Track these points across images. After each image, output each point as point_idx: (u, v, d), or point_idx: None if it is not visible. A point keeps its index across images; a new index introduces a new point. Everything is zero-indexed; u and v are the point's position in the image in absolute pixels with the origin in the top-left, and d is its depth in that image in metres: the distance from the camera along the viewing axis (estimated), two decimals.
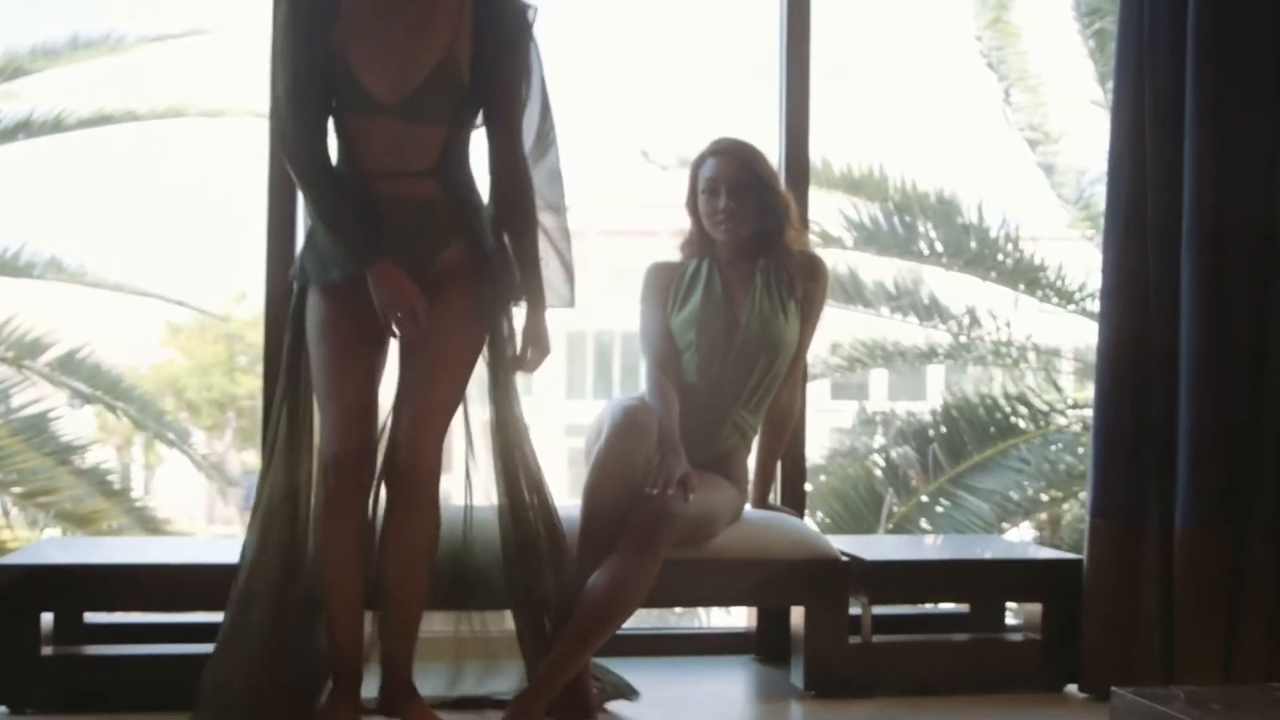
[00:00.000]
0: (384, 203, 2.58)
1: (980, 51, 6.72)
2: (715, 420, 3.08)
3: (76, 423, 6.76)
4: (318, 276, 2.62)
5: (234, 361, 17.94)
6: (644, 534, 2.70)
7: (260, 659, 2.59)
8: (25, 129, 6.23)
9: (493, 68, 2.61)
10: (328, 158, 2.61)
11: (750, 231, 3.12)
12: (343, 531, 2.58)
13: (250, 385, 16.14)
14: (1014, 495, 6.14)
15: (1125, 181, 3.15)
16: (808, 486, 3.63)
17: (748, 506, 3.21)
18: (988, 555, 3.48)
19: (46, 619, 2.88)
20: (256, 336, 3.23)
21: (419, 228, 2.60)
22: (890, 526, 6.05)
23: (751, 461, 3.23)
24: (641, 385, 3.09)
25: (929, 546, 3.86)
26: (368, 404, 2.63)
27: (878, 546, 3.53)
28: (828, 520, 6.03)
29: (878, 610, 3.19)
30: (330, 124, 2.62)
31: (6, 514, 5.58)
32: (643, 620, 2.81)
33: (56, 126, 6.36)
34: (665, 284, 3.18)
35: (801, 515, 3.44)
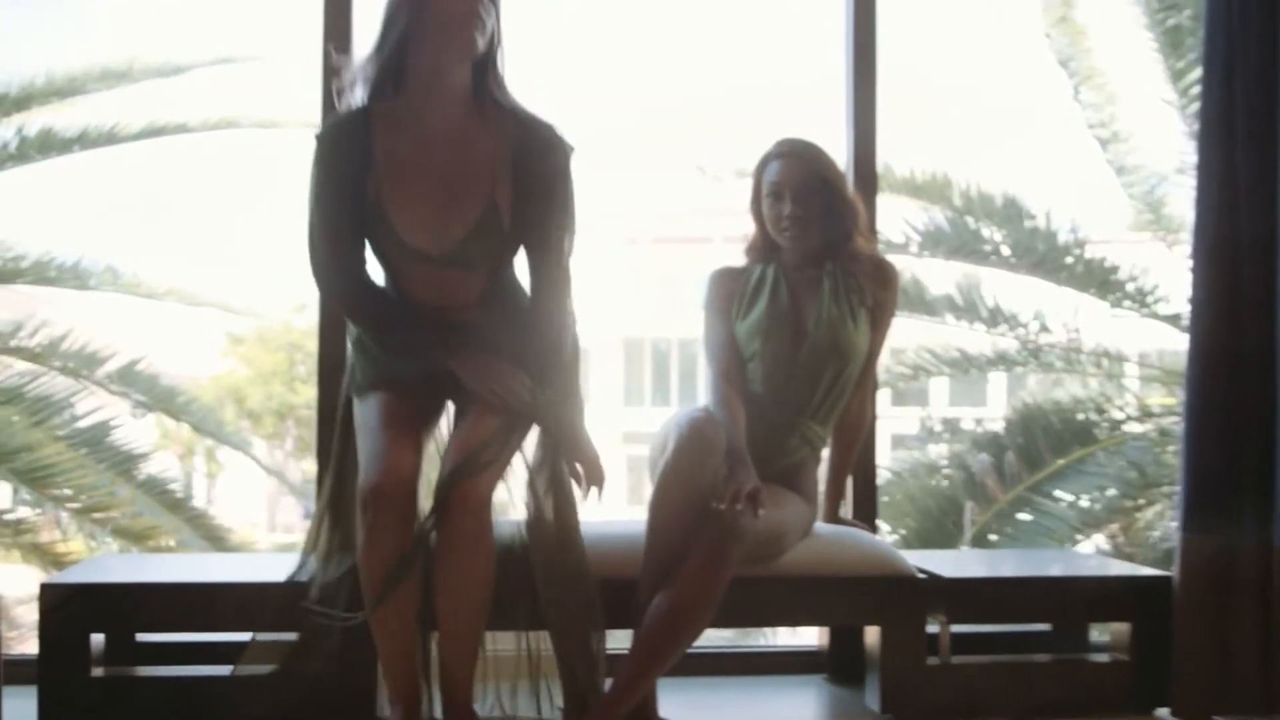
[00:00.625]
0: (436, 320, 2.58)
1: (1050, 49, 6.56)
2: (782, 432, 2.96)
3: (137, 432, 6.75)
4: (384, 378, 2.57)
5: (294, 371, 18.08)
6: (711, 551, 2.59)
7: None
8: (81, 141, 6.23)
9: (534, 213, 2.56)
10: (370, 284, 2.59)
11: (817, 238, 3.00)
12: (385, 563, 2.44)
13: (309, 395, 16.25)
14: (1088, 504, 5.97)
15: (1215, 188, 3.00)
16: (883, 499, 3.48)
17: (818, 521, 3.09)
18: (1073, 573, 3.30)
19: (98, 639, 2.81)
20: (315, 346, 3.15)
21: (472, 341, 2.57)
22: (971, 536, 5.88)
23: (821, 475, 3.10)
24: (705, 395, 2.97)
25: (1009, 562, 3.71)
26: (414, 438, 2.53)
27: (955, 562, 3.38)
28: (902, 531, 5.87)
29: (955, 629, 3.05)
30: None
31: (63, 529, 5.56)
32: (709, 639, 2.69)
33: (111, 139, 6.37)
34: (729, 291, 3.07)
35: (874, 530, 3.31)
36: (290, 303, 17.15)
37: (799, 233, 2.98)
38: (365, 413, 2.58)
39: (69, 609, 2.69)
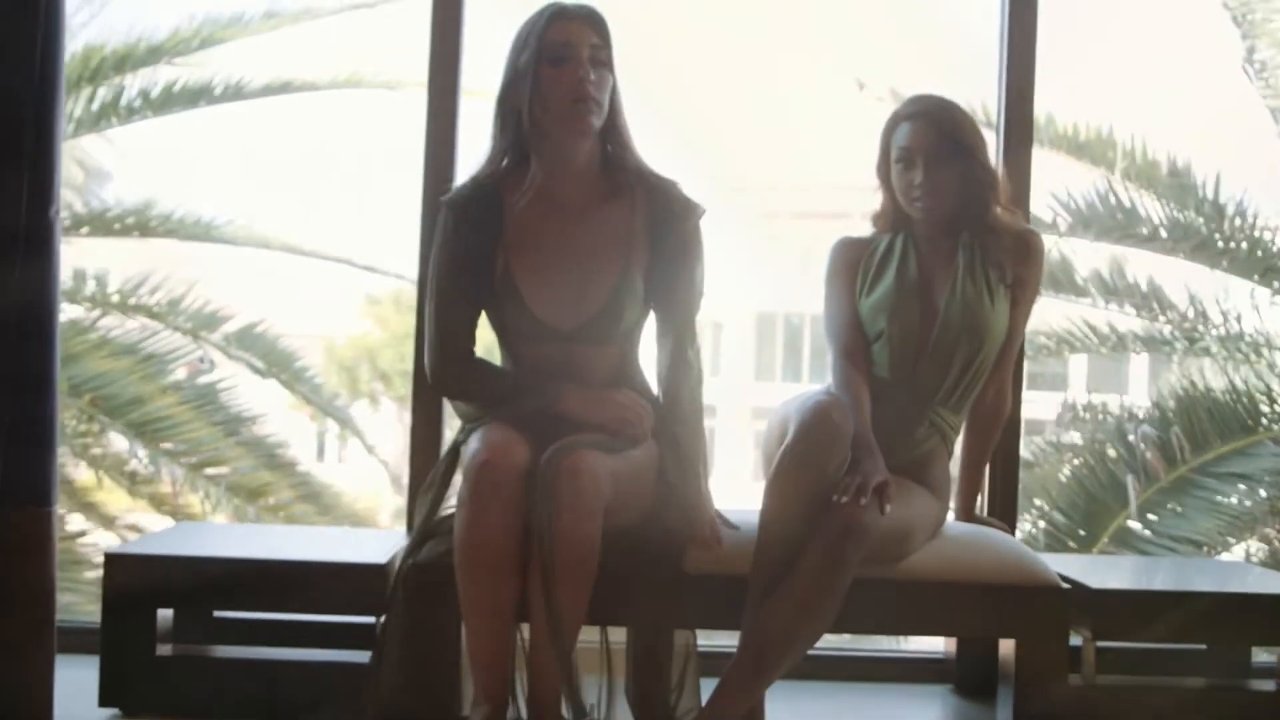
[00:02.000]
0: None
1: (1223, 4, 6.03)
2: (910, 419, 2.68)
3: (260, 393, 6.73)
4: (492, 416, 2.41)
5: None
6: (830, 550, 2.33)
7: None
8: (206, 95, 6.15)
9: (668, 278, 2.50)
10: (477, 361, 2.50)
11: (951, 207, 2.71)
12: (486, 541, 2.26)
13: None
14: (1237, 501, 5.52)
15: None
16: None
17: (949, 518, 2.81)
18: (1235, 587, 2.94)
19: (166, 615, 2.66)
20: None
21: None
22: (1135, 510, 5.45)
23: (954, 467, 2.81)
24: (827, 376, 2.71)
25: (1161, 573, 3.35)
26: (526, 438, 2.34)
27: (1099, 569, 3.04)
28: (1041, 525, 5.46)
29: (1100, 645, 2.74)
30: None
31: (176, 484, 5.50)
32: (824, 641, 2.43)
33: (238, 94, 6.28)
34: (853, 263, 2.79)
35: (1013, 529, 3.01)
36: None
37: (931, 203, 2.69)
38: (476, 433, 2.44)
39: (131, 585, 2.55)
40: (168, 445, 5.43)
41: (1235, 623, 2.75)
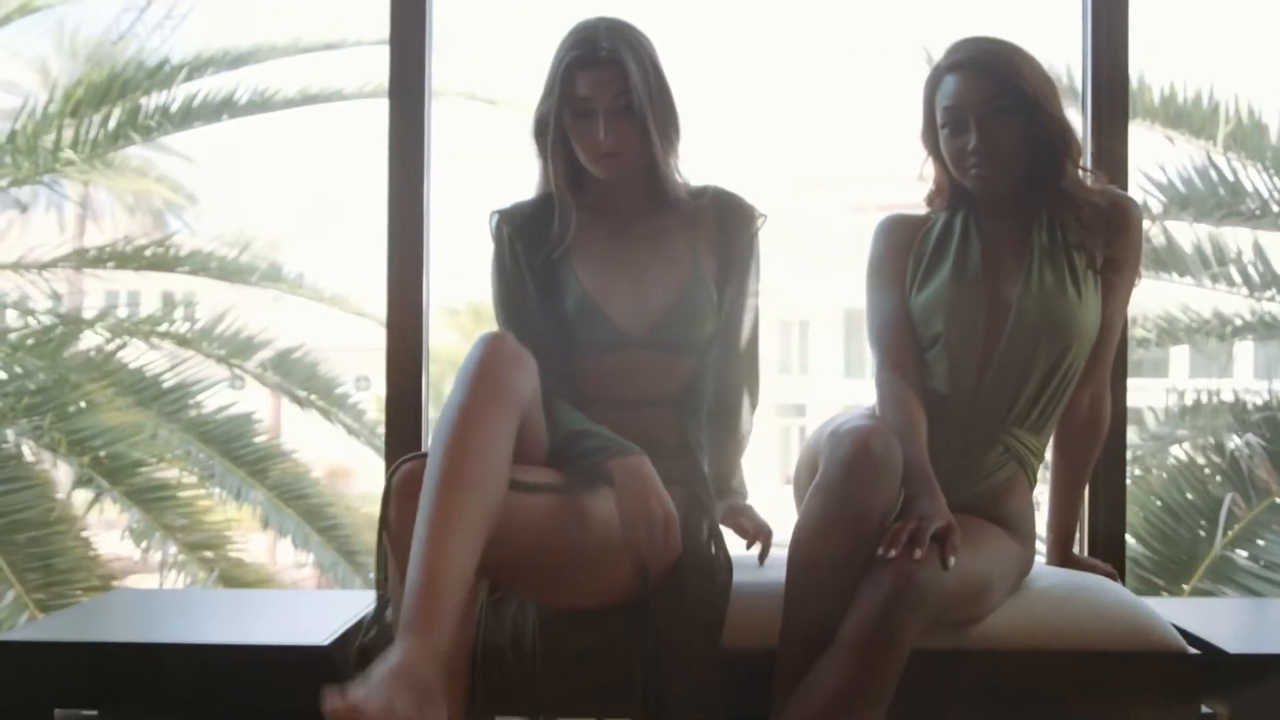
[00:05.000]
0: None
1: None
2: (979, 444, 2.16)
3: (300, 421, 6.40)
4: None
5: None
6: (880, 618, 1.83)
7: None
8: (229, 108, 5.83)
9: (733, 285, 2.32)
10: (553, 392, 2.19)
11: (1014, 175, 2.17)
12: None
13: None
14: None
15: None
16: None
17: (1039, 562, 2.28)
18: None
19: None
20: None
21: None
22: (1229, 538, 4.72)
23: (1041, 500, 2.27)
24: (874, 393, 2.17)
25: None
26: None
27: (1222, 620, 2.42)
28: (1139, 551, 4.71)
29: None
30: None
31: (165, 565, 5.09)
32: None
33: (264, 106, 5.98)
34: (903, 248, 2.27)
35: (1121, 575, 2.42)
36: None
37: (990, 169, 2.15)
38: None
39: (19, 680, 2.08)
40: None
41: None
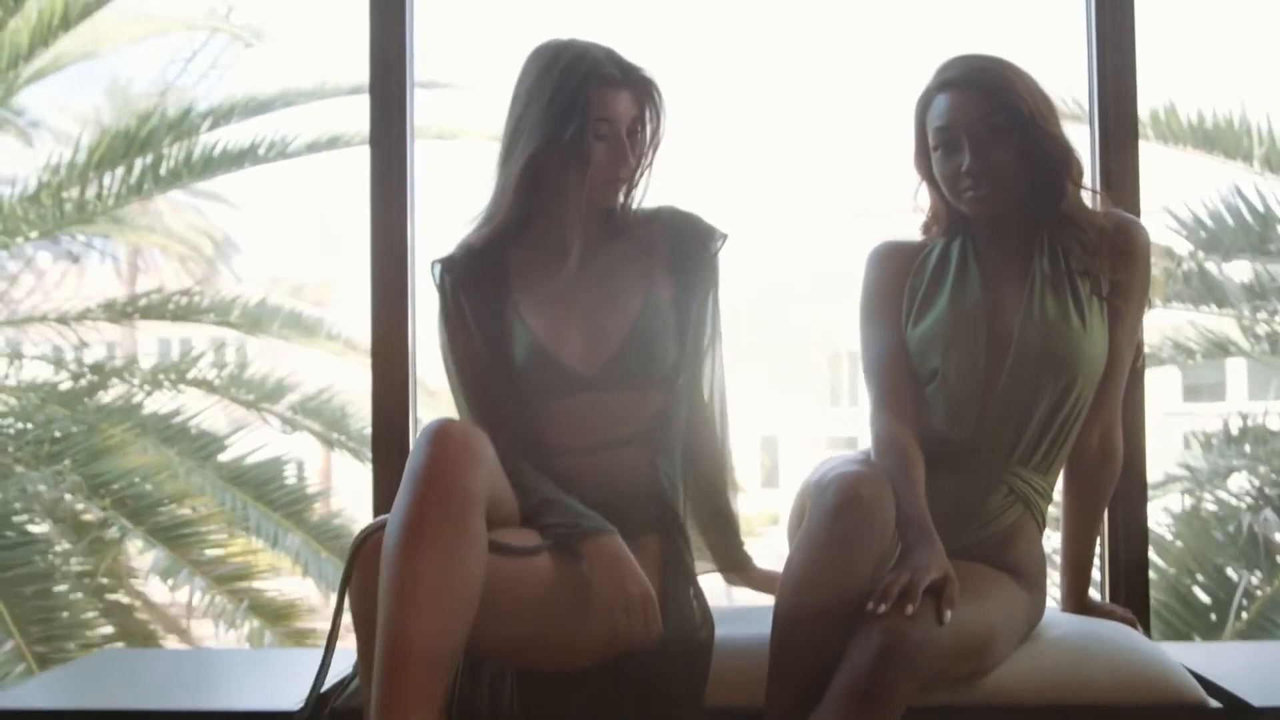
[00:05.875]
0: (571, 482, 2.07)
1: None
2: (982, 486, 2.04)
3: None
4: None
5: None
6: (866, 680, 1.70)
7: None
8: (250, 157, 5.85)
9: (694, 307, 2.19)
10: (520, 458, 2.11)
11: (1012, 197, 2.06)
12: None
13: None
14: None
15: None
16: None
17: (1053, 608, 2.14)
18: None
19: None
20: None
21: (610, 511, 2.01)
22: (1242, 621, 4.39)
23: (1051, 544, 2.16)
24: (868, 434, 2.05)
25: None
26: None
27: (1248, 665, 2.26)
28: (1169, 607, 4.41)
29: None
30: None
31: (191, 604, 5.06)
32: None
33: (282, 153, 5.99)
34: (898, 279, 2.16)
35: (1145, 624, 2.27)
36: None
37: (985, 192, 2.03)
38: None
39: None
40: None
41: None
